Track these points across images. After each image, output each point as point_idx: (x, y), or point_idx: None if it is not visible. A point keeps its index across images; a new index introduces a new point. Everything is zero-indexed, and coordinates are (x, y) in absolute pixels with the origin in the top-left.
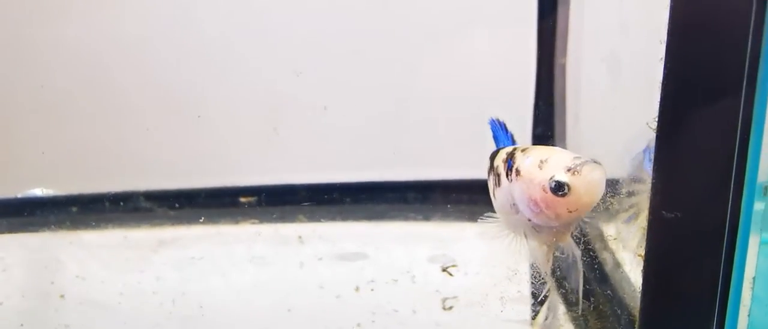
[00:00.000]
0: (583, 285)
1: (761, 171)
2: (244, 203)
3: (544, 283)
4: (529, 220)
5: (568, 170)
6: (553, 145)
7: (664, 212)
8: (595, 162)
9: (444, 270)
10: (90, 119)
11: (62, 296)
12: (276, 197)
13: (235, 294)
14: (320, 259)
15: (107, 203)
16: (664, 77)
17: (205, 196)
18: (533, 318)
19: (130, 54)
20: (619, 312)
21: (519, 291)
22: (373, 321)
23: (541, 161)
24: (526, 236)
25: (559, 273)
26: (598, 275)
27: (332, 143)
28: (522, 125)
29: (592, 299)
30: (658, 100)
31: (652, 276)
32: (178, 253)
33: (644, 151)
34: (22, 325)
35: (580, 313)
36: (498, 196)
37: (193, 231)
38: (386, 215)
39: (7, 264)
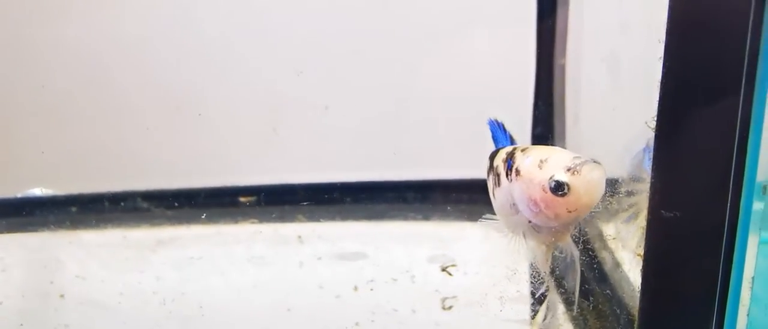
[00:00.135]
0: (583, 285)
1: (760, 170)
2: (243, 203)
3: (544, 283)
4: (529, 221)
5: (568, 169)
6: (552, 145)
7: (663, 211)
8: (595, 162)
9: (443, 269)
10: (90, 119)
11: (62, 296)
12: (275, 196)
13: (234, 293)
14: (320, 259)
15: (107, 203)
16: (663, 77)
17: (204, 196)
18: (532, 317)
19: (130, 54)
20: (618, 311)
21: (518, 291)
22: (372, 321)
23: (541, 161)
24: (525, 236)
25: (558, 272)
26: (597, 274)
27: (332, 143)
28: (521, 125)
29: (591, 298)
30: (657, 99)
31: (652, 276)
32: (177, 253)
33: (644, 150)
34: (21, 325)
35: (575, 314)
36: (498, 196)
37: (193, 231)
38: (386, 214)
39: (6, 264)
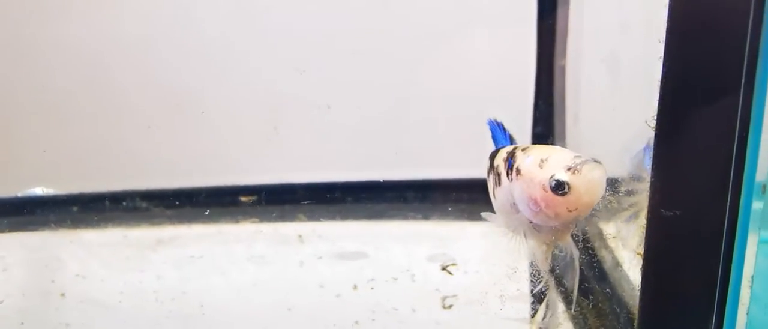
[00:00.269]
0: (583, 284)
1: (760, 170)
2: (244, 202)
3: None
4: (530, 220)
5: (569, 169)
6: (552, 144)
7: (663, 210)
8: (595, 161)
9: (443, 268)
10: (90, 119)
11: (63, 295)
12: (276, 196)
13: (235, 292)
14: (320, 258)
15: (108, 202)
16: (662, 76)
17: (205, 195)
18: (532, 316)
19: (130, 53)
20: (618, 310)
21: (518, 290)
22: (372, 320)
23: (542, 160)
24: (525, 236)
25: (557, 271)
26: (597, 273)
27: (332, 142)
28: (522, 125)
29: (591, 297)
30: (657, 99)
31: (652, 275)
32: (178, 252)
33: (644, 149)
34: (22, 324)
35: (573, 313)
36: (498, 195)
37: (194, 230)
38: (386, 214)
39: (7, 263)
